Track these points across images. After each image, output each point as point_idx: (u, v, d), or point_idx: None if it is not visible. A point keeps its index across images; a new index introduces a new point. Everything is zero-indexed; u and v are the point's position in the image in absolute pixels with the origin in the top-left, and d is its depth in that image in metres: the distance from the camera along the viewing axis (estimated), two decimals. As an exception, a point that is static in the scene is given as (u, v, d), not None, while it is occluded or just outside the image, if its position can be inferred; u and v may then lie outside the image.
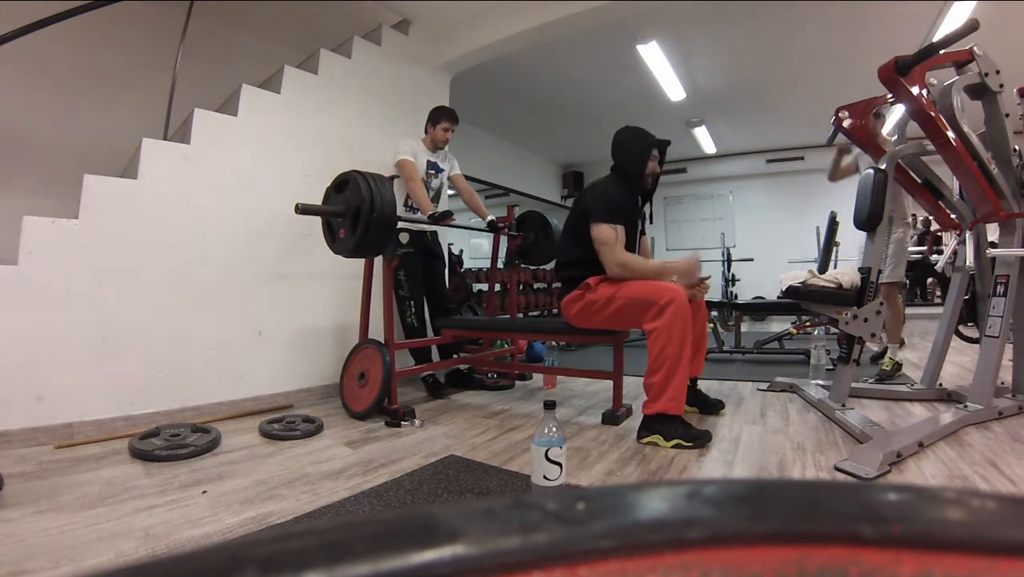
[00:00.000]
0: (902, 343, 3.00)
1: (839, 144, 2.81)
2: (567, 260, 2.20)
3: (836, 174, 3.12)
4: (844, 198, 3.14)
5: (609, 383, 2.24)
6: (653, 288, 1.88)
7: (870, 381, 2.63)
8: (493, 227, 2.90)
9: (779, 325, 5.45)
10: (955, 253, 2.27)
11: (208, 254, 2.34)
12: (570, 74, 4.62)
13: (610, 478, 1.52)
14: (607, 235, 1.99)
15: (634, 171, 2.09)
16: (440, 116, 2.80)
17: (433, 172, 2.84)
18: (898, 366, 2.82)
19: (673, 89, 4.89)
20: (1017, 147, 2.00)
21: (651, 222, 2.30)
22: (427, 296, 2.87)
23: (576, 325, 2.14)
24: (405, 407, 2.26)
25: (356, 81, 3.06)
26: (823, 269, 3.05)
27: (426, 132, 2.85)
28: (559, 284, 2.30)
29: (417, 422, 2.15)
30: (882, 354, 2.96)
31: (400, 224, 2.34)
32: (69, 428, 1.89)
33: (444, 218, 2.55)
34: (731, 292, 5.39)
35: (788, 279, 2.21)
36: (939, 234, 5.50)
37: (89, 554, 1.08)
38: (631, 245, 2.11)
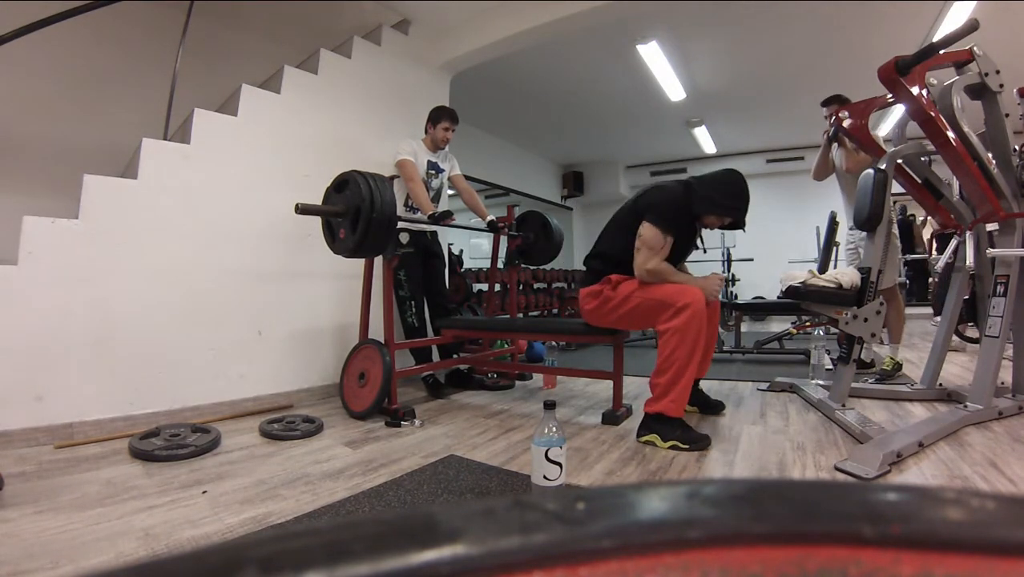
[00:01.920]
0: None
1: (833, 132, 2.76)
2: (601, 252, 2.11)
3: (823, 171, 3.09)
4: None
5: (609, 383, 2.24)
6: (673, 290, 1.85)
7: (870, 381, 2.63)
8: (493, 227, 2.90)
9: (779, 325, 5.45)
10: (955, 253, 2.27)
11: (208, 254, 2.34)
12: (570, 74, 4.62)
13: (610, 478, 1.52)
14: (654, 239, 1.91)
15: (700, 206, 1.98)
16: (440, 116, 2.80)
17: (433, 172, 2.84)
18: (898, 366, 2.82)
19: (673, 89, 4.89)
20: (1017, 147, 2.00)
21: (704, 250, 2.19)
22: (427, 296, 2.87)
23: (589, 321, 2.12)
24: (405, 407, 2.26)
25: (356, 81, 3.06)
26: (823, 269, 3.05)
27: (426, 132, 2.85)
28: (584, 274, 2.20)
29: (417, 422, 2.15)
30: (871, 364, 2.96)
31: (400, 224, 2.34)
32: (69, 428, 1.89)
33: (444, 218, 2.55)
34: (731, 292, 5.39)
35: (788, 279, 2.20)
36: (942, 233, 5.46)
37: (89, 554, 1.08)
38: (675, 262, 2.03)
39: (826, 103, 2.97)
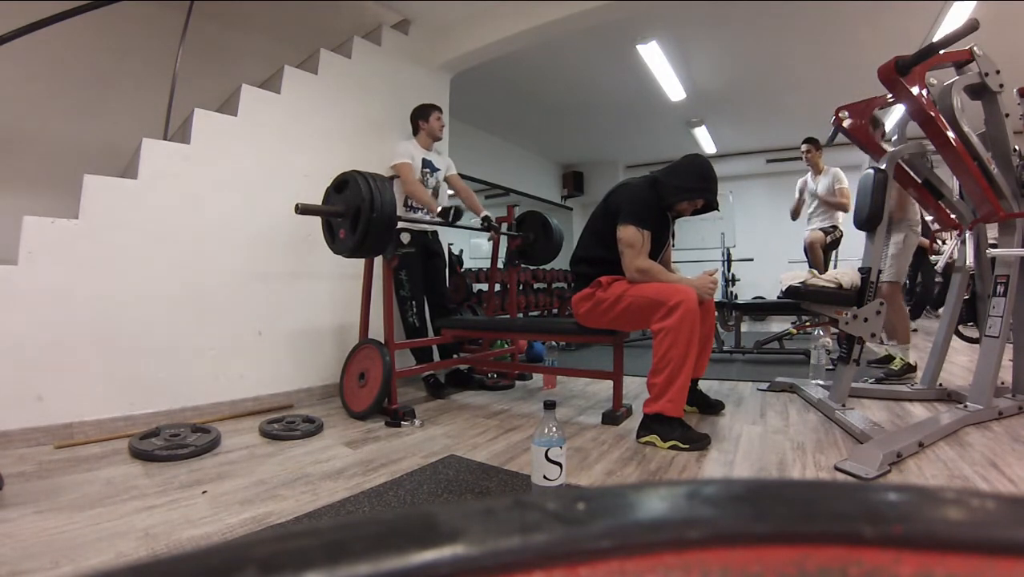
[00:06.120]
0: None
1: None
2: (584, 256, 2.15)
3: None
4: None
5: (609, 383, 2.24)
6: (665, 288, 1.86)
7: (870, 381, 2.63)
8: (487, 224, 2.82)
9: (779, 325, 5.45)
10: (955, 253, 2.27)
11: (208, 254, 2.34)
12: (570, 74, 4.62)
13: (610, 478, 1.52)
14: (633, 238, 1.95)
15: (671, 196, 2.02)
16: (428, 109, 2.84)
17: (428, 171, 2.84)
18: (908, 367, 2.79)
19: (673, 89, 4.89)
20: (1017, 147, 2.00)
21: (673, 244, 2.23)
22: (427, 296, 2.87)
23: (584, 324, 2.12)
24: (405, 407, 2.26)
25: (356, 81, 3.06)
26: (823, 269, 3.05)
27: (419, 131, 2.85)
28: (573, 279, 2.25)
29: (417, 422, 2.15)
30: (888, 359, 2.95)
31: (400, 224, 2.34)
32: (69, 428, 1.89)
33: (459, 217, 2.53)
34: (731, 292, 5.39)
35: (788, 279, 2.21)
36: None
37: (89, 554, 1.08)
38: (655, 255, 2.07)
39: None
